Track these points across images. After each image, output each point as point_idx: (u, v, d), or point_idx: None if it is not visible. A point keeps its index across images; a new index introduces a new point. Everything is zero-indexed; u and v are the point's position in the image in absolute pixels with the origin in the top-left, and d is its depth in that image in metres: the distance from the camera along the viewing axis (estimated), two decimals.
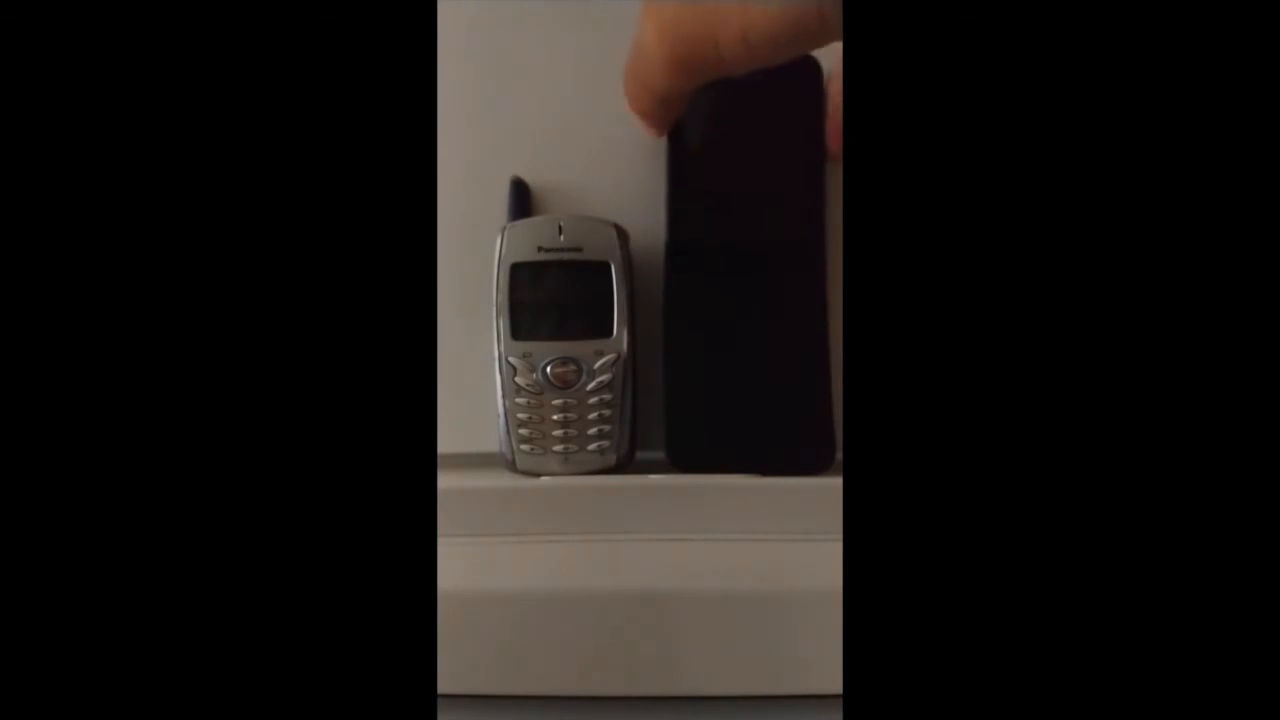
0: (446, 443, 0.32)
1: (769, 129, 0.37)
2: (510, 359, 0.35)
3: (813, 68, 0.37)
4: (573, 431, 0.35)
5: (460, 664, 0.30)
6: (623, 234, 0.36)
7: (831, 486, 0.32)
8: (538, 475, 0.35)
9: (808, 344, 0.36)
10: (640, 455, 0.36)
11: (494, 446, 0.36)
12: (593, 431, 0.35)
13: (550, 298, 0.35)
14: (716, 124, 0.37)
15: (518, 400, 0.35)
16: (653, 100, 0.33)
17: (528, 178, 0.38)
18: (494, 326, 0.35)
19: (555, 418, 0.35)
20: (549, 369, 0.35)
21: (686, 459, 0.35)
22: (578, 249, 0.35)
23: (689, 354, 0.36)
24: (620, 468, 0.35)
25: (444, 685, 0.26)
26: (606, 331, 0.35)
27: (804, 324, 0.36)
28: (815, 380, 0.35)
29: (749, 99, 0.37)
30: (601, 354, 0.35)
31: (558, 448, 0.35)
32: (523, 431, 0.35)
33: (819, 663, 0.30)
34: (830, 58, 0.37)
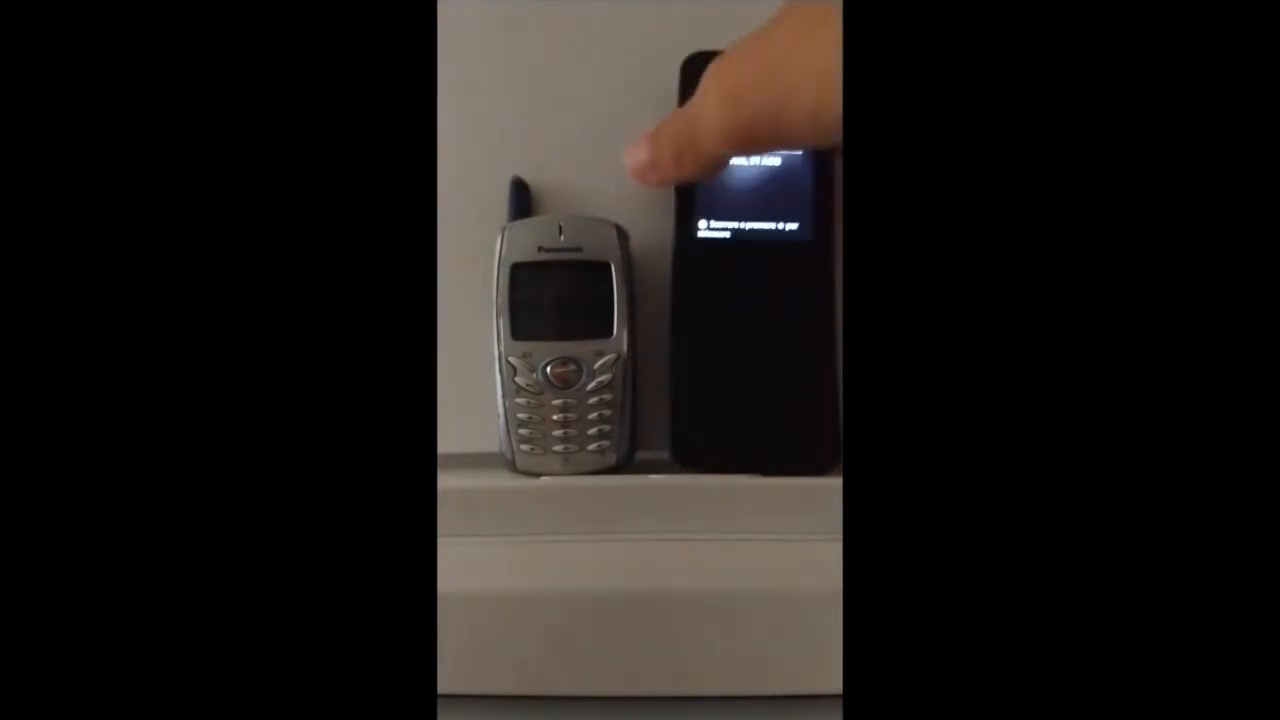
0: (446, 443, 0.32)
1: None
2: (510, 359, 0.35)
3: None
4: (573, 431, 0.35)
5: (460, 664, 0.30)
6: (623, 234, 0.36)
7: (831, 486, 0.32)
8: (538, 475, 0.35)
9: (814, 344, 0.36)
10: (640, 455, 0.36)
11: (494, 446, 0.36)
12: (593, 431, 0.35)
13: (550, 298, 0.35)
14: None
15: (518, 400, 0.35)
16: (697, 160, 0.32)
17: (528, 178, 0.38)
18: (494, 326, 0.35)
19: (555, 418, 0.35)
20: (549, 369, 0.35)
21: (691, 456, 0.35)
22: (578, 249, 0.35)
23: (695, 352, 0.36)
24: (620, 468, 0.35)
25: (444, 685, 0.26)
26: (606, 331, 0.35)
27: (811, 324, 0.36)
28: (821, 381, 0.35)
29: None
30: (601, 354, 0.35)
31: (558, 448, 0.35)
32: (523, 431, 0.35)
33: (819, 663, 0.30)
34: None
